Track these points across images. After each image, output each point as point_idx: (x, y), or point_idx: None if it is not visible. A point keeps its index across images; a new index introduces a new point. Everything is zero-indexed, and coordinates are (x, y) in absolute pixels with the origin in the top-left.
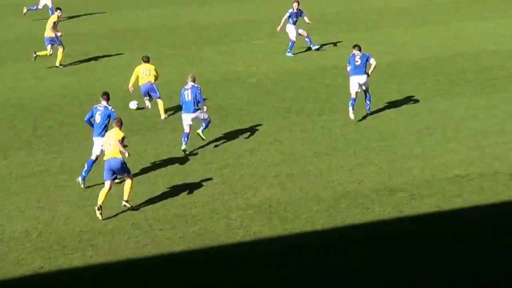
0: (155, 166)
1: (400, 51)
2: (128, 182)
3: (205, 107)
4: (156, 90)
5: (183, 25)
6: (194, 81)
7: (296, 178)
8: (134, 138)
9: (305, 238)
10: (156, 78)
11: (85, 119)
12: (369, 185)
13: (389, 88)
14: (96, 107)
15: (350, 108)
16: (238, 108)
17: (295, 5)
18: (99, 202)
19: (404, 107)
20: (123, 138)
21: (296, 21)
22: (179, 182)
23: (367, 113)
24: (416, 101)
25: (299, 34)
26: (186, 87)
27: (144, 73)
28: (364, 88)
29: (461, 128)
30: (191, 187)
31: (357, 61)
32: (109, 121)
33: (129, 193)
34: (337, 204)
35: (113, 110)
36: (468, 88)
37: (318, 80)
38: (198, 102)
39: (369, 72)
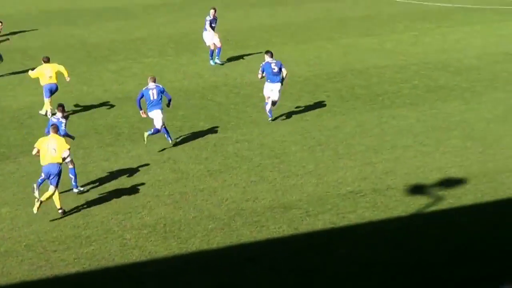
0: (48, 186)
1: (291, 68)
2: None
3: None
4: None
5: (72, 44)
6: (155, 81)
7: (190, 196)
8: (25, 159)
9: (201, 257)
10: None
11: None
12: (263, 203)
13: (281, 105)
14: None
15: (268, 112)
16: (130, 126)
17: (211, 12)
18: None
19: (296, 124)
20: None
21: (213, 27)
22: (73, 203)
23: (269, 119)
24: (308, 117)
25: (213, 43)
26: (149, 87)
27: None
28: (276, 95)
29: (353, 144)
30: (85, 207)
31: (274, 68)
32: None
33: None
34: (232, 222)
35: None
36: (358, 104)
37: (210, 98)
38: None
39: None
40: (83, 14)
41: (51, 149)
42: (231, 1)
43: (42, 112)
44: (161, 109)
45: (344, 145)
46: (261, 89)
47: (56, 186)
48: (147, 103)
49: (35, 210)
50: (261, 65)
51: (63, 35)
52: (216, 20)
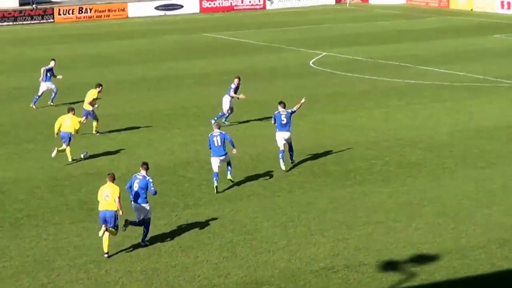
0: (19, 264)
1: (263, 144)
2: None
3: (234, 150)
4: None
5: (43, 120)
6: (219, 128)
7: (162, 272)
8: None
9: None
10: (75, 129)
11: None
12: (235, 279)
13: (252, 181)
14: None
15: (281, 160)
16: None
17: (236, 80)
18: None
19: (269, 200)
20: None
21: (235, 93)
22: (44, 278)
23: (291, 163)
24: (280, 193)
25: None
26: (213, 133)
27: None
28: (287, 142)
29: (325, 220)
30: (55, 283)
31: (283, 120)
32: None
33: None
34: None
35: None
36: (330, 180)
37: (181, 174)
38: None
39: (297, 108)
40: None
41: (105, 196)
42: (203, 78)
43: None
44: (224, 155)
45: (316, 221)
46: (233, 166)
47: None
48: (211, 149)
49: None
50: (274, 114)
51: (36, 110)
52: (238, 88)
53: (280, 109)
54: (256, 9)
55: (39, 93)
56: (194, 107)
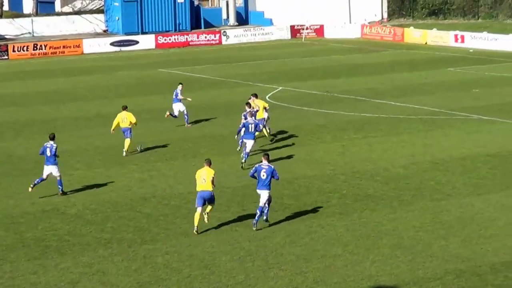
0: None
1: (219, 178)
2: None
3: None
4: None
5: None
6: (268, 159)
7: None
8: None
9: None
10: (132, 123)
11: None
12: None
13: (211, 216)
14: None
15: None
16: (58, 239)
17: (180, 86)
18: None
19: (226, 234)
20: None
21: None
22: None
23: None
24: (238, 228)
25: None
26: (262, 165)
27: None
28: (266, 201)
29: (283, 253)
30: None
31: (263, 175)
32: None
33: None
34: None
35: None
36: (287, 214)
37: (138, 210)
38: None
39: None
40: (9, 127)
41: (202, 179)
42: (160, 113)
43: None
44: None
45: (274, 255)
46: (190, 201)
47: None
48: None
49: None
50: (255, 167)
51: None
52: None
53: (264, 161)
54: (212, 44)
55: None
56: (150, 142)
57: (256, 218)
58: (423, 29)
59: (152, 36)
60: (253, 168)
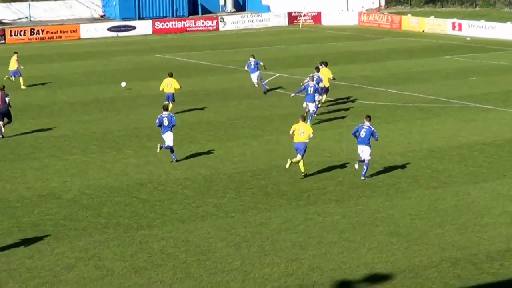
0: None
1: (216, 165)
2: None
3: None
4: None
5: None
6: (369, 121)
7: None
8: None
9: None
10: (176, 89)
11: None
12: None
13: (206, 202)
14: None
15: (357, 164)
16: (54, 224)
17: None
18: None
19: (222, 220)
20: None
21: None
22: None
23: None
24: (234, 214)
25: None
26: (363, 125)
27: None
28: (366, 157)
29: (279, 240)
30: None
31: (362, 134)
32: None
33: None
34: None
35: None
36: (283, 200)
37: (135, 195)
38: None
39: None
40: None
41: (300, 132)
42: (156, 99)
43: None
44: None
45: (270, 241)
46: (186, 186)
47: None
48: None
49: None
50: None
51: None
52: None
53: (366, 122)
54: (209, 30)
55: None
56: (147, 128)
57: (364, 172)
58: (421, 17)
59: (149, 21)
60: (355, 128)
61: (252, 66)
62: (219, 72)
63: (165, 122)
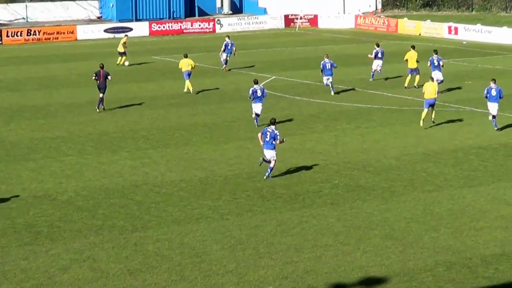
0: None
1: (211, 167)
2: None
3: None
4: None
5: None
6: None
7: None
8: None
9: None
10: (192, 67)
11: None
12: None
13: (202, 204)
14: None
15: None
16: (49, 225)
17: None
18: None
19: (217, 223)
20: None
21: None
22: None
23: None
24: (229, 216)
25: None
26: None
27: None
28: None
29: (274, 243)
30: None
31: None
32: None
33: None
34: None
35: None
36: (279, 203)
37: (130, 197)
38: None
39: None
40: (1, 112)
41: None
42: (152, 101)
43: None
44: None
45: (265, 244)
46: (181, 188)
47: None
48: None
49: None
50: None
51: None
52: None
53: (492, 84)
54: (205, 32)
55: (375, 69)
56: (143, 130)
57: None
58: (417, 21)
59: (146, 23)
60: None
61: (229, 47)
62: (216, 74)
63: (259, 93)
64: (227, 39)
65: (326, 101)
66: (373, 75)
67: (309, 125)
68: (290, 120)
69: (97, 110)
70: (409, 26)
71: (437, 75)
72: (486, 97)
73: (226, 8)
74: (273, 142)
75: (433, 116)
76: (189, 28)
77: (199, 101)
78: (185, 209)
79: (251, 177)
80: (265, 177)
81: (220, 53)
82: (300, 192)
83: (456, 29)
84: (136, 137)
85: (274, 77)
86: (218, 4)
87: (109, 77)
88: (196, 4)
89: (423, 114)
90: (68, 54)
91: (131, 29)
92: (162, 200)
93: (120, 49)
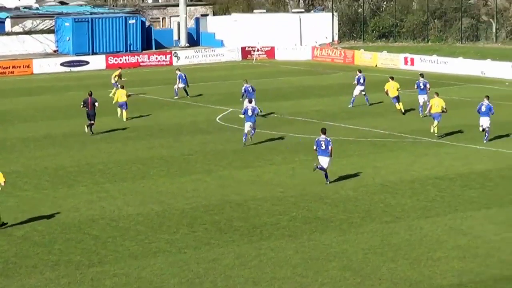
0: None
1: (168, 200)
2: None
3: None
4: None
5: None
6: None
7: None
8: None
9: None
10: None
11: None
12: None
13: (159, 238)
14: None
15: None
16: (5, 261)
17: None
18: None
19: (175, 256)
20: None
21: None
22: None
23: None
24: (186, 250)
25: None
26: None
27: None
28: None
29: (232, 276)
30: None
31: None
32: None
33: None
34: None
35: None
36: (236, 236)
37: (87, 232)
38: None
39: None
40: None
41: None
42: (109, 135)
43: None
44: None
45: (223, 277)
46: (139, 222)
47: None
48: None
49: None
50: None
51: None
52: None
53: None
54: (162, 65)
55: (356, 95)
56: (100, 163)
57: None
58: (373, 52)
59: (103, 56)
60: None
61: (184, 78)
62: (173, 106)
63: (249, 113)
64: (178, 71)
65: (284, 133)
66: (353, 101)
67: (267, 157)
68: (247, 152)
69: (91, 133)
70: (366, 57)
71: (424, 97)
72: (479, 111)
73: (183, 41)
74: (328, 149)
75: (435, 129)
76: (146, 61)
77: (156, 134)
78: (142, 243)
79: (209, 210)
80: (328, 183)
81: (176, 85)
82: (258, 224)
83: (412, 60)
84: (92, 171)
85: (231, 109)
86: (175, 37)
87: (96, 103)
88: (153, 37)
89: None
90: (24, 88)
91: (87, 63)
92: (119, 235)
93: (115, 81)
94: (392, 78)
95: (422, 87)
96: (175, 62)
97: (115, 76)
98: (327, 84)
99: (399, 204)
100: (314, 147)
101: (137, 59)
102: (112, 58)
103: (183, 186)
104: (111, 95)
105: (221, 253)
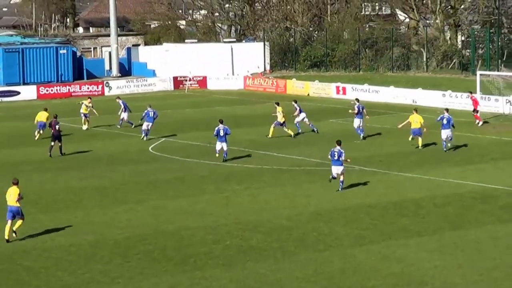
0: None
1: (101, 230)
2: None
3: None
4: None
5: None
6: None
7: None
8: None
9: None
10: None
11: None
12: None
13: (92, 268)
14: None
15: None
16: None
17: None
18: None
19: (107, 287)
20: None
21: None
22: None
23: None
24: (120, 280)
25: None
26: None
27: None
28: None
29: None
30: None
31: (335, 156)
32: None
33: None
34: None
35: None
36: (170, 265)
37: (19, 262)
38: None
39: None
40: None
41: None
42: (41, 165)
43: None
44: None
45: None
46: (71, 253)
47: None
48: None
49: None
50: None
51: None
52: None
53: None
54: (94, 95)
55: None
56: (33, 193)
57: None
58: (305, 81)
59: (34, 87)
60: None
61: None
62: (104, 137)
63: (221, 133)
64: (118, 100)
65: (216, 162)
66: (357, 130)
67: (200, 186)
68: (180, 182)
69: (50, 155)
70: (298, 86)
71: (447, 133)
72: (439, 121)
73: (115, 71)
74: (340, 159)
75: (419, 143)
76: (77, 91)
77: (88, 164)
78: (75, 274)
79: (142, 239)
80: (340, 189)
81: (120, 113)
82: (191, 254)
83: (344, 89)
84: (24, 202)
85: (163, 139)
86: (107, 67)
87: (57, 126)
88: (84, 67)
89: (411, 138)
90: None
91: (18, 93)
92: (52, 265)
93: (85, 111)
94: (416, 111)
95: (445, 122)
96: (107, 92)
97: (88, 103)
98: (260, 113)
99: (332, 232)
100: (329, 157)
101: (69, 89)
102: (43, 88)
103: (116, 216)
104: (84, 128)
105: (155, 283)
